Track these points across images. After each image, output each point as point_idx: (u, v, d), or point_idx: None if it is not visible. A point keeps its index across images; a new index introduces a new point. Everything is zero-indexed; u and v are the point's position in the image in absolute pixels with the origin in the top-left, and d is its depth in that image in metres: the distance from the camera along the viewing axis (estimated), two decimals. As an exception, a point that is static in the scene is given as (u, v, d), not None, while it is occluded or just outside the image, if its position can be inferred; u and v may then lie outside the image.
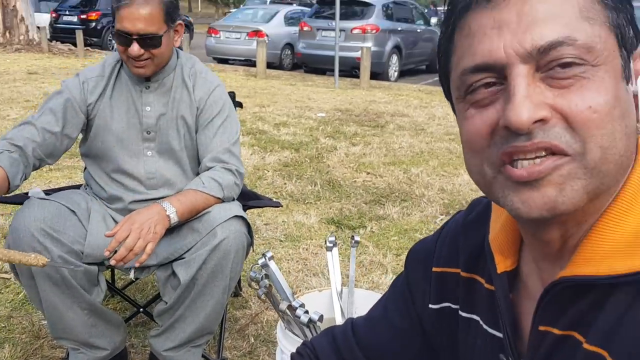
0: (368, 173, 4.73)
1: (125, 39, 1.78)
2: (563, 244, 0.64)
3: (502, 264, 0.70)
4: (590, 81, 0.55)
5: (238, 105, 2.55)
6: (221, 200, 1.89)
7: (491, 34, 0.57)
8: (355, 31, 11.41)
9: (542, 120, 0.55)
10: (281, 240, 3.32)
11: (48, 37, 14.36)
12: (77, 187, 2.20)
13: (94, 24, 15.09)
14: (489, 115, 0.59)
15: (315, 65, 12.28)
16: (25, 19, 13.91)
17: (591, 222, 0.61)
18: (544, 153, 0.56)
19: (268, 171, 4.68)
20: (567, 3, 0.56)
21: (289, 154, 5.25)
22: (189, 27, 17.69)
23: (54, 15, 15.76)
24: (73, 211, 1.82)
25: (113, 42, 2.08)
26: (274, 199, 4.02)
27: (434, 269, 0.83)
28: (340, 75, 10.48)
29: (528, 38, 0.55)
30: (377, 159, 5.17)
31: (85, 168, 2.08)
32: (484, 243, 0.76)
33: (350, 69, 11.39)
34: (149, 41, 1.79)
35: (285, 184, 4.37)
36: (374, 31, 11.38)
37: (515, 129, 0.55)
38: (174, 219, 1.78)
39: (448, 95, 0.69)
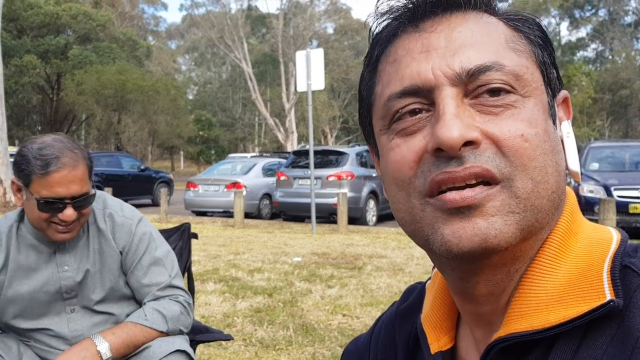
0: (344, 315, 4.45)
1: (58, 205, 1.59)
2: (495, 302, 0.58)
3: (436, 343, 0.63)
4: (521, 111, 0.53)
5: (193, 236, 2.41)
6: (165, 334, 1.70)
7: (419, 57, 0.56)
8: (331, 178, 11.65)
9: (473, 144, 0.52)
10: (246, 392, 2.97)
11: (27, 197, 14.43)
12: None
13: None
14: (416, 142, 0.55)
15: (293, 213, 12.35)
16: (3, 182, 14.05)
17: (521, 272, 0.56)
18: (474, 181, 0.52)
19: (238, 317, 4.38)
20: (493, 32, 0.56)
21: (261, 299, 4.99)
22: (168, 183, 18.02)
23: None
24: (1, 355, 1.66)
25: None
26: (242, 346, 3.73)
27: None
28: (318, 222, 10.48)
29: (457, 61, 0.54)
30: (354, 300, 4.92)
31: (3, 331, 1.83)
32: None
33: (328, 215, 11.46)
34: (83, 202, 1.64)
35: (255, 330, 4.07)
36: (349, 178, 11.63)
37: (448, 147, 0.51)
38: (107, 354, 1.58)
39: (369, 135, 0.65)
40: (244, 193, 12.14)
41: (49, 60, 33.20)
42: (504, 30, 0.57)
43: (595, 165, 10.35)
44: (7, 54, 30.20)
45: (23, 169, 1.59)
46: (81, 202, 1.62)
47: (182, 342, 1.73)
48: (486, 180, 0.52)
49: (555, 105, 0.60)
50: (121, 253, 1.76)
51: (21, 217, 1.73)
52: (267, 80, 44.08)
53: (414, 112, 0.56)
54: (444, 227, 0.53)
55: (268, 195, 13.65)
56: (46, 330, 1.74)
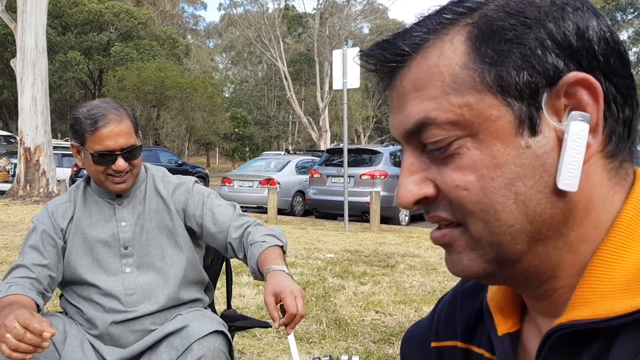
0: (377, 312, 4.47)
1: (109, 157, 1.78)
2: (548, 298, 0.58)
3: (503, 325, 0.63)
4: (462, 157, 0.53)
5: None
6: (284, 250, 1.81)
7: (392, 113, 0.59)
8: (364, 177, 11.66)
9: (428, 197, 0.56)
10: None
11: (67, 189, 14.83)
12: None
13: (112, 176, 15.67)
14: None
15: (325, 211, 12.40)
16: (46, 173, 14.49)
17: (577, 267, 0.55)
18: (444, 223, 0.57)
19: (271, 310, 4.44)
20: (433, 74, 0.53)
21: (294, 293, 5.03)
22: (204, 178, 18.31)
23: (74, 169, 16.43)
24: None
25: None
26: (276, 338, 3.80)
27: (432, 344, 0.75)
28: (350, 220, 10.51)
29: (402, 120, 0.56)
30: (387, 297, 4.93)
31: (62, 295, 1.97)
32: (482, 309, 0.69)
33: (360, 214, 11.47)
34: (131, 153, 1.81)
35: (288, 323, 4.12)
36: (382, 177, 11.62)
37: (403, 208, 0.57)
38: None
39: None
40: (278, 189, 12.25)
41: (91, 56, 34.07)
42: (454, 58, 0.53)
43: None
44: (52, 49, 31.06)
45: (77, 129, 1.78)
46: (130, 152, 1.80)
47: (219, 324, 1.78)
48: (449, 223, 0.56)
49: (544, 101, 0.51)
50: (183, 210, 1.91)
51: (89, 178, 1.93)
52: (302, 79, 44.27)
53: None
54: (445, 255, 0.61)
55: (301, 192, 13.74)
56: (101, 289, 1.84)
